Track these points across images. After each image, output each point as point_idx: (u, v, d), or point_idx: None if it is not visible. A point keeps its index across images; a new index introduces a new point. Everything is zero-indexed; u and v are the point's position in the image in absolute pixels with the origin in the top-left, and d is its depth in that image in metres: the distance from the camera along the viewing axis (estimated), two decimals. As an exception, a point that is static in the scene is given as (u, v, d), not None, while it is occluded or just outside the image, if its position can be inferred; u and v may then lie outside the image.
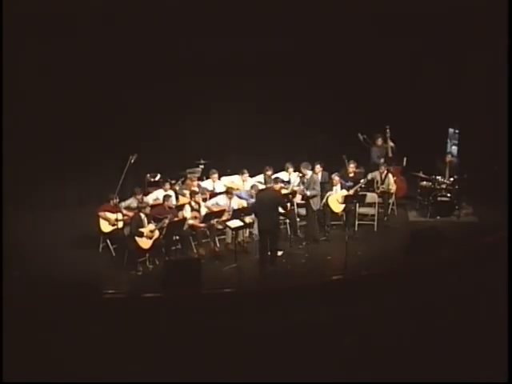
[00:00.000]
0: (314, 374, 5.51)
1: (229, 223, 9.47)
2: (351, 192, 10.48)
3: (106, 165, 11.38)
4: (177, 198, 10.27)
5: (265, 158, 11.28)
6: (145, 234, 9.17)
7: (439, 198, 11.04)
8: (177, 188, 10.52)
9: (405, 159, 11.83)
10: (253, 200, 9.85)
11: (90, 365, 5.69)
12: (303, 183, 10.32)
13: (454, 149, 12.77)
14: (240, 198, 10.22)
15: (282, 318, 6.54)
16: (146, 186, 10.85)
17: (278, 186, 9.52)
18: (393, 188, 11.07)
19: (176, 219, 9.49)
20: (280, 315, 6.62)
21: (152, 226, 9.24)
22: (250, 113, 12.51)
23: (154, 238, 9.25)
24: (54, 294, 7.02)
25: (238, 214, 9.51)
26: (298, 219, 10.53)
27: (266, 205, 9.04)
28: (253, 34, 11.84)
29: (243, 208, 9.84)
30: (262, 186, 10.37)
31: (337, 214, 10.56)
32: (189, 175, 11.01)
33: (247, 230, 10.12)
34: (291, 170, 10.79)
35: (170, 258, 9.28)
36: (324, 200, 10.41)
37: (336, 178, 10.54)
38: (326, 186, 10.57)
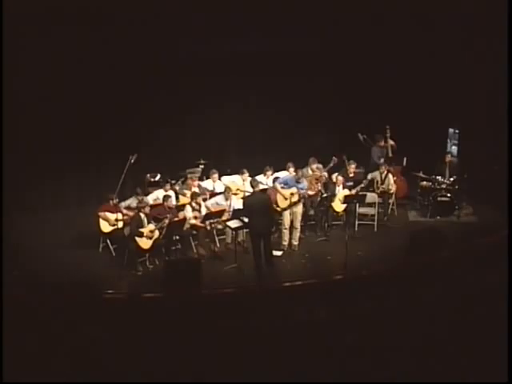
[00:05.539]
0: (314, 374, 5.51)
1: (229, 223, 9.46)
2: (352, 192, 10.49)
3: (106, 165, 11.39)
4: (177, 198, 10.27)
5: (265, 158, 11.28)
6: (145, 234, 9.17)
7: (439, 198, 11.04)
8: (177, 188, 10.52)
9: (405, 159, 11.84)
10: (300, 185, 9.77)
11: (89, 365, 5.69)
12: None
13: (454, 149, 12.77)
14: (286, 184, 9.86)
15: (282, 318, 6.54)
16: (146, 186, 10.85)
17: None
18: (393, 188, 11.08)
19: (176, 219, 9.49)
20: (280, 315, 6.62)
21: (152, 226, 9.24)
22: (250, 113, 12.50)
23: (154, 237, 9.25)
24: (53, 294, 7.01)
25: (237, 213, 9.50)
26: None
27: (254, 209, 8.97)
28: (253, 34, 11.82)
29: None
30: (262, 186, 10.34)
31: (338, 213, 10.58)
32: (189, 175, 11.01)
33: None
34: (292, 169, 10.77)
35: (170, 258, 9.28)
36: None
37: (340, 177, 10.59)
38: (328, 185, 10.60)
